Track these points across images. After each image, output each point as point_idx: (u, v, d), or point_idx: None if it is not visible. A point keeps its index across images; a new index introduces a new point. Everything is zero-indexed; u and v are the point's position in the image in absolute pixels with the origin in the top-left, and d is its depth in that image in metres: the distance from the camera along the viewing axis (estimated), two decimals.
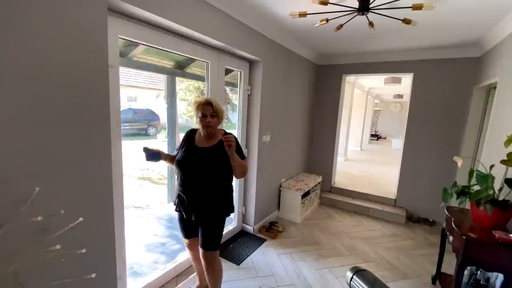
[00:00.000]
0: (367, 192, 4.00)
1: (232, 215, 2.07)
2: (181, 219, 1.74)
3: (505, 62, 2.20)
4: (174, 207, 1.73)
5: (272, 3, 2.07)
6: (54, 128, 1.11)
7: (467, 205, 1.89)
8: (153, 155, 1.61)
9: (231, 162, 1.57)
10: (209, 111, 1.55)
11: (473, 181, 1.75)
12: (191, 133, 1.71)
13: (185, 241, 1.84)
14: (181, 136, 1.83)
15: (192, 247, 1.84)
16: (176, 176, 1.69)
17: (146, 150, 1.59)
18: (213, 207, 1.62)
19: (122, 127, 1.57)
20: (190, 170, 1.58)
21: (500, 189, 1.69)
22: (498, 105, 2.27)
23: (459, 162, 1.89)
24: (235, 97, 2.79)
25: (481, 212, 1.69)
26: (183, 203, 1.64)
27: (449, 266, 2.31)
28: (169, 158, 1.70)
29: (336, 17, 1.96)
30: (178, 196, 1.67)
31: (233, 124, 3.00)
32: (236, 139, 1.58)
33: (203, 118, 1.56)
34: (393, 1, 1.77)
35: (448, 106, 3.22)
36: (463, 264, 1.63)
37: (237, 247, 2.65)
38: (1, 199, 0.96)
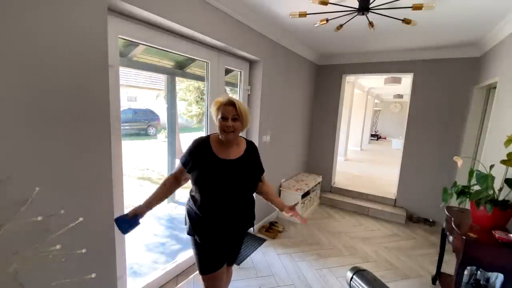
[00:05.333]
0: (367, 192, 4.00)
1: None
2: (206, 250, 1.38)
3: (505, 62, 2.20)
4: (195, 238, 1.38)
5: (272, 3, 2.07)
6: (54, 128, 1.11)
7: (467, 205, 1.89)
8: (131, 223, 1.27)
9: (275, 203, 1.45)
10: (230, 113, 1.28)
11: (473, 181, 1.75)
12: (203, 144, 1.36)
13: (210, 276, 1.40)
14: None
15: (221, 277, 1.46)
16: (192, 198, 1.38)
17: (120, 222, 1.26)
18: (245, 224, 1.46)
19: (122, 127, 1.57)
20: (220, 188, 1.30)
21: (500, 189, 1.69)
22: (498, 105, 2.27)
23: (459, 162, 1.89)
24: (235, 97, 2.78)
25: (481, 212, 1.69)
26: (212, 229, 1.34)
27: (449, 266, 2.31)
28: (150, 202, 1.34)
29: (336, 17, 1.96)
30: (202, 222, 1.34)
31: None
32: (255, 149, 1.48)
33: (222, 121, 1.28)
34: (393, 1, 1.77)
35: (448, 106, 3.22)
36: (463, 264, 1.63)
37: None
38: (1, 199, 0.96)
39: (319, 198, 4.09)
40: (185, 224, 1.45)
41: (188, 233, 1.41)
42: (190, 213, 1.39)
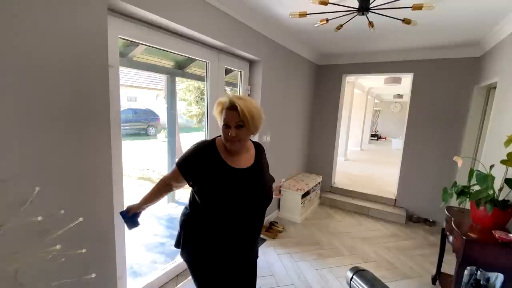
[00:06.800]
0: (367, 192, 4.00)
1: None
2: (226, 281, 1.17)
3: (505, 62, 2.20)
4: (201, 267, 1.15)
5: (272, 3, 2.07)
6: (54, 128, 1.11)
7: (467, 205, 1.89)
8: (134, 219, 1.26)
9: None
10: (233, 119, 1.03)
11: (473, 181, 1.75)
12: (209, 150, 1.11)
13: None
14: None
15: None
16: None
17: (125, 217, 1.24)
18: (258, 244, 1.29)
19: (122, 127, 1.57)
20: (238, 204, 1.08)
21: (500, 189, 1.68)
22: (498, 105, 2.27)
23: (459, 162, 1.89)
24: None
25: (481, 212, 1.69)
26: (230, 256, 1.14)
27: (449, 266, 2.31)
28: (144, 202, 1.26)
29: (336, 17, 1.96)
30: (216, 248, 1.11)
31: None
32: (263, 152, 1.30)
33: (225, 128, 1.06)
34: (393, 1, 1.77)
35: (448, 106, 3.22)
36: (463, 264, 1.63)
37: None
38: (1, 199, 0.96)
39: (319, 198, 4.08)
40: (180, 247, 1.19)
41: (190, 261, 1.15)
42: (195, 237, 1.13)
